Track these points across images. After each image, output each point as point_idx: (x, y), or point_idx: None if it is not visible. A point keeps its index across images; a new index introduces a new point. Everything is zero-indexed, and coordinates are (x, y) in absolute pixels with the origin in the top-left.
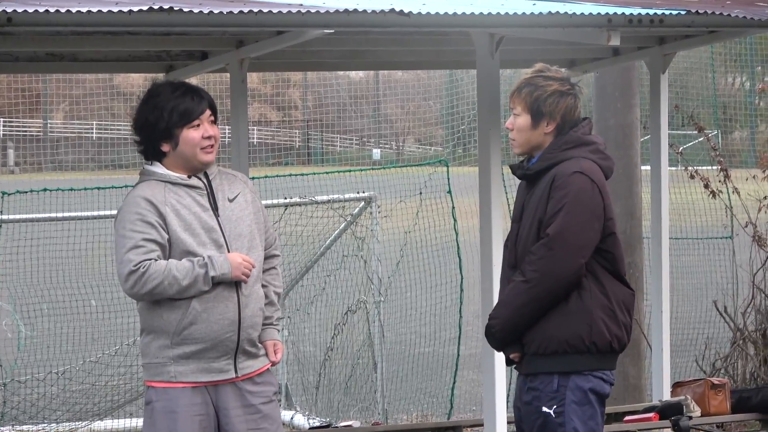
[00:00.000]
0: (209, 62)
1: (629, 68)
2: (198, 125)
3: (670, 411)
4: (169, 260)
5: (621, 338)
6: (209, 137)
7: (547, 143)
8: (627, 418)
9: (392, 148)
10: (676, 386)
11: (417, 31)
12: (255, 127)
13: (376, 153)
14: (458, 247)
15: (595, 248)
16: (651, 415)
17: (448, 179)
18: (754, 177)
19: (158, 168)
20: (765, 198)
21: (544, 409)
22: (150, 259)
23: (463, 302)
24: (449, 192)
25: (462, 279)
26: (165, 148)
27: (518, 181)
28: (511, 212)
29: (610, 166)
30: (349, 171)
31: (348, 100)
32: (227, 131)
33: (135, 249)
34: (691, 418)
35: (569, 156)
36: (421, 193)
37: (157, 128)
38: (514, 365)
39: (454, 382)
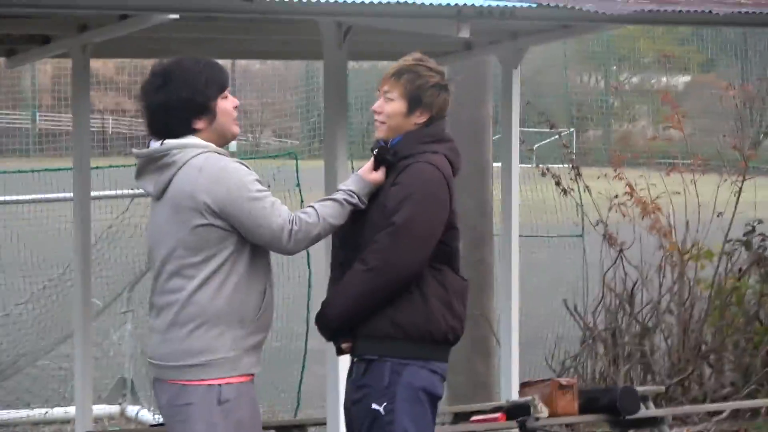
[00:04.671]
0: (51, 47)
1: (483, 63)
2: (227, 96)
3: (517, 411)
4: (315, 206)
5: (456, 330)
6: (236, 107)
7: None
8: (474, 418)
9: (249, 140)
10: (524, 386)
11: (264, 19)
12: (111, 117)
13: (232, 145)
14: None
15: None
16: (498, 415)
17: (297, 172)
18: (605, 175)
19: (205, 142)
20: (616, 197)
21: (374, 406)
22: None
23: (311, 297)
24: (298, 185)
25: (310, 274)
26: (200, 124)
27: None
28: None
29: (459, 165)
30: None
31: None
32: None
33: (279, 204)
34: (538, 419)
35: (428, 150)
36: (269, 186)
37: (193, 103)
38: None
39: (301, 378)
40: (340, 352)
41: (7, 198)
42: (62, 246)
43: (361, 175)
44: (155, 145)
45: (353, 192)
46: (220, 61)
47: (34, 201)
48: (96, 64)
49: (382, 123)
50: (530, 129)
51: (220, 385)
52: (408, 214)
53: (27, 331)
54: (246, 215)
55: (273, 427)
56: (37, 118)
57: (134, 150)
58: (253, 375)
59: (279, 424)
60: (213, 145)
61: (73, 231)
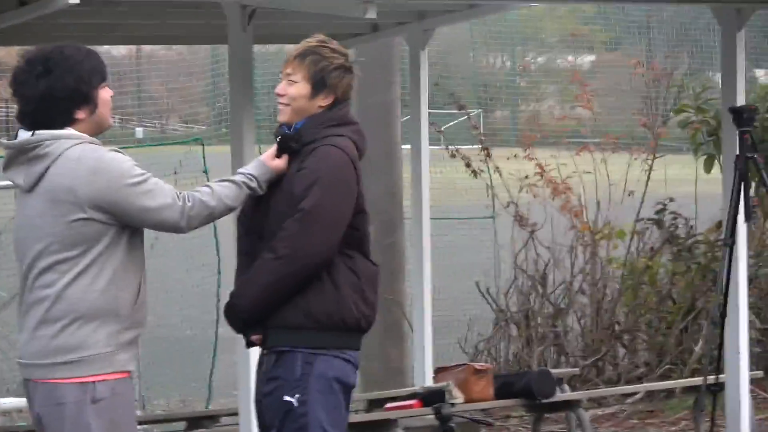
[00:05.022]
0: None
1: (389, 45)
2: (106, 86)
3: (432, 397)
4: (211, 185)
5: (369, 317)
6: (111, 97)
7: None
8: (388, 405)
9: (155, 126)
10: (439, 371)
11: (167, 3)
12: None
13: (139, 131)
14: (215, 228)
15: None
16: (413, 402)
17: (204, 158)
18: (515, 156)
19: (78, 133)
20: (526, 177)
21: (287, 398)
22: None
23: (220, 285)
24: (205, 171)
25: (219, 261)
26: (81, 114)
27: None
28: None
29: (365, 147)
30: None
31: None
32: None
33: (162, 183)
34: (453, 405)
35: (332, 133)
36: (176, 172)
37: (78, 93)
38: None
39: (213, 367)
40: (250, 344)
41: None
42: None
43: (263, 160)
44: (25, 135)
45: (253, 176)
46: (125, 48)
47: None
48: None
49: (286, 105)
50: (439, 110)
51: (94, 383)
52: (316, 200)
53: None
54: (132, 202)
55: (184, 419)
56: None
57: (2, 140)
58: (129, 372)
59: (191, 416)
60: (87, 136)
61: None
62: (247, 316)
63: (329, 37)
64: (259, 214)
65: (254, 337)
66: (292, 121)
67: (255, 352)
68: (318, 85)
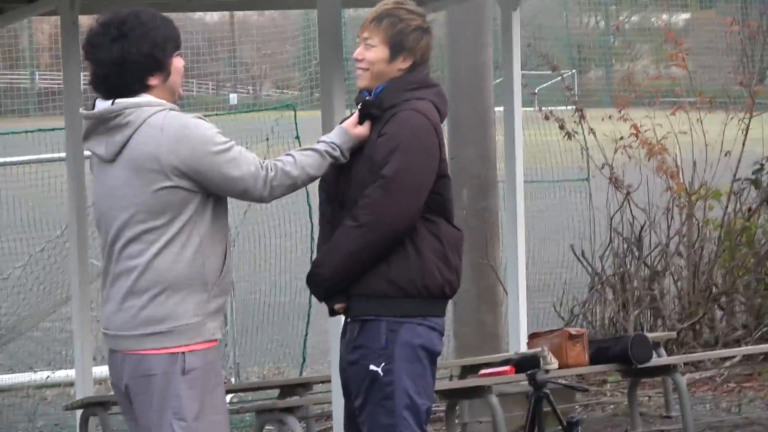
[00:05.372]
0: (38, 4)
1: (481, 7)
2: (179, 55)
3: (526, 364)
4: (294, 154)
5: (453, 282)
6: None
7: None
8: (482, 372)
9: (249, 92)
10: (533, 337)
11: None
12: None
13: (233, 98)
14: (307, 194)
15: None
16: (507, 368)
17: (296, 124)
18: (610, 117)
19: (159, 100)
20: (621, 138)
21: (372, 367)
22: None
23: (314, 251)
24: (297, 137)
25: (312, 227)
26: (153, 81)
27: None
28: None
29: (446, 111)
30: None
31: (203, 43)
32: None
33: (246, 152)
34: (548, 371)
35: (413, 97)
36: (267, 139)
37: (152, 59)
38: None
39: (306, 334)
40: (333, 313)
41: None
42: (62, 207)
43: (345, 128)
44: (105, 104)
45: (336, 144)
46: (218, 14)
47: (28, 162)
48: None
49: (365, 70)
50: (532, 72)
51: (183, 353)
52: (397, 166)
53: (27, 294)
54: (216, 170)
55: (278, 386)
56: (37, 77)
57: (82, 110)
58: (217, 341)
59: (284, 383)
60: (167, 103)
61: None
62: (329, 285)
63: None
64: (341, 181)
65: (337, 306)
66: (371, 85)
67: (341, 321)
68: (396, 48)
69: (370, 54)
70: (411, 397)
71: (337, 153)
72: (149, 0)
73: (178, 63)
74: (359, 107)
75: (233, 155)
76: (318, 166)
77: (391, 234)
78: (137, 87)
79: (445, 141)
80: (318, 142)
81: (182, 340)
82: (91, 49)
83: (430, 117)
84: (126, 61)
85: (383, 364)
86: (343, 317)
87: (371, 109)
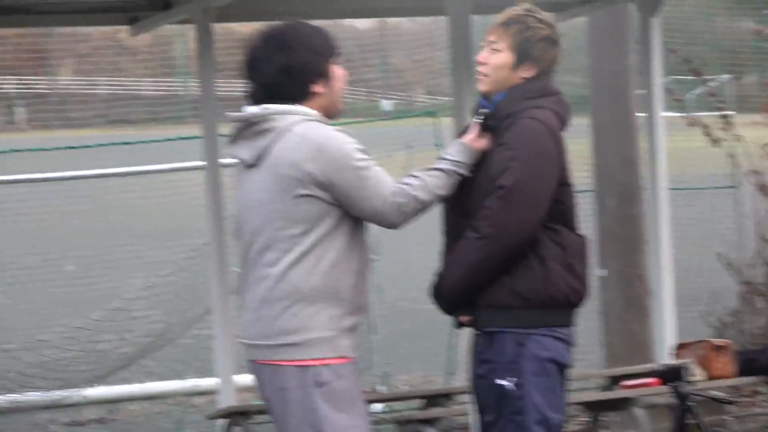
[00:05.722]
0: (173, 12)
1: (622, 12)
2: (338, 63)
3: (670, 375)
4: (421, 176)
5: (578, 290)
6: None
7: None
8: (624, 383)
9: (400, 99)
10: (681, 347)
11: None
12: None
13: (387, 104)
14: None
15: None
16: (651, 380)
17: (437, 131)
18: (756, 123)
19: (308, 109)
20: (766, 144)
21: (499, 381)
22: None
23: None
24: (437, 144)
25: None
26: (318, 88)
27: None
28: None
29: (568, 118)
30: (348, 123)
31: (354, 50)
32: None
33: (384, 174)
34: (692, 383)
35: (532, 105)
36: (411, 146)
37: (314, 66)
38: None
39: (454, 341)
40: (459, 325)
41: (141, 168)
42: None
43: (467, 143)
44: (253, 108)
45: (461, 162)
46: (368, 21)
47: (167, 170)
48: (237, 27)
49: (486, 75)
50: (682, 77)
51: (317, 366)
52: (517, 176)
53: (175, 301)
54: (352, 186)
55: (423, 397)
56: (190, 84)
57: (229, 114)
58: (352, 359)
59: (428, 394)
60: (315, 113)
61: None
62: (453, 297)
63: (536, 6)
64: (463, 191)
65: (464, 319)
66: (491, 91)
67: (470, 333)
68: (522, 55)
69: (495, 58)
70: (542, 413)
71: (462, 170)
72: (284, 8)
73: (339, 70)
74: (479, 120)
75: (370, 174)
76: (446, 186)
77: (512, 245)
78: (302, 93)
79: (589, 147)
80: (441, 159)
81: (315, 353)
82: (255, 62)
83: (548, 125)
84: (292, 68)
85: (512, 378)
86: (469, 329)
87: (489, 121)
